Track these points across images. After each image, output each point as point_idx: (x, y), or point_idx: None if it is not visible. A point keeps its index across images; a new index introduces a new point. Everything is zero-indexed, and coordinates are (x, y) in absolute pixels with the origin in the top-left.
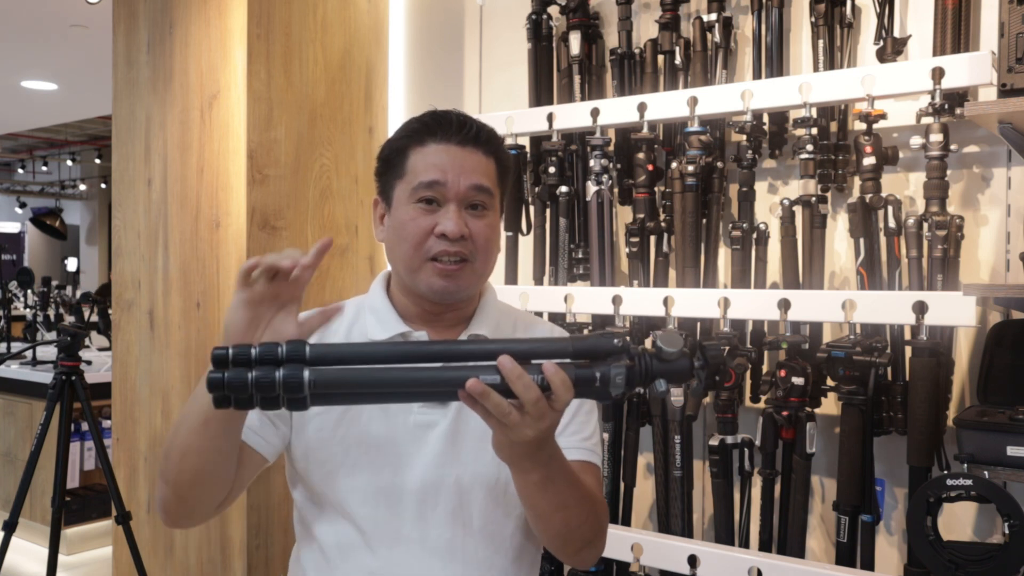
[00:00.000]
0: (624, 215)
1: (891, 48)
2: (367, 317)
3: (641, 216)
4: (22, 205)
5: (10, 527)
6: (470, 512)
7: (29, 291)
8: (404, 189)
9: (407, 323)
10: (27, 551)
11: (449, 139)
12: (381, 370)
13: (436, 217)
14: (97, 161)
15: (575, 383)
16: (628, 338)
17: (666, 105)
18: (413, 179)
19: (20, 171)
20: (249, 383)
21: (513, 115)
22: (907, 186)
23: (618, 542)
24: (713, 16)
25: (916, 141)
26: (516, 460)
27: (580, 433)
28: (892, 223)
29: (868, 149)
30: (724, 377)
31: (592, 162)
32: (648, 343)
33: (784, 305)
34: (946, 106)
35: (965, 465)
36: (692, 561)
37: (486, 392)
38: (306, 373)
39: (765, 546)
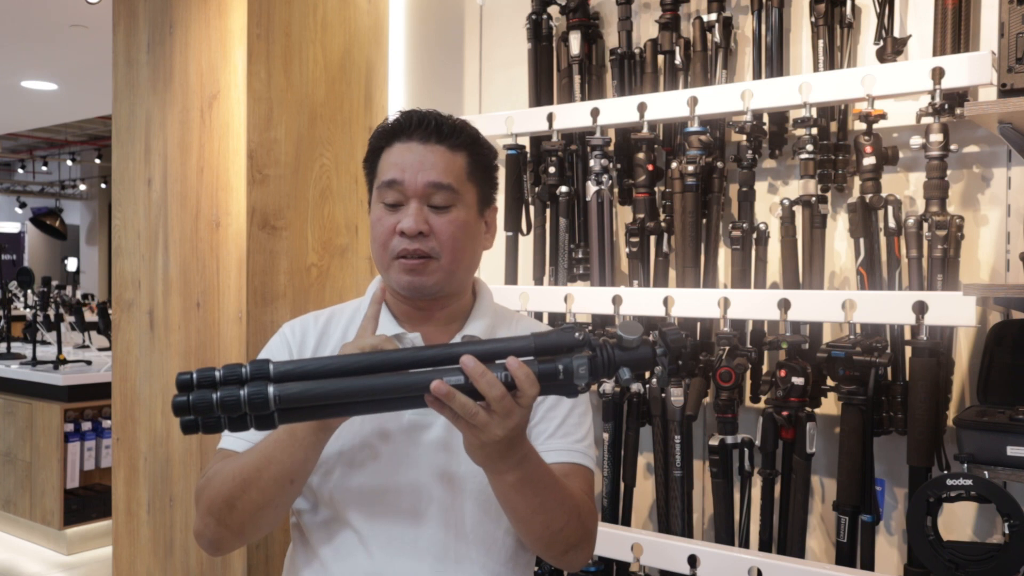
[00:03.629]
0: (624, 215)
1: (891, 48)
2: (362, 319)
3: (641, 216)
4: (22, 205)
5: None
6: (462, 514)
7: (29, 291)
8: (375, 190)
9: (401, 324)
10: (27, 551)
11: (411, 137)
12: (346, 381)
13: (399, 215)
14: (97, 161)
15: (539, 377)
16: (590, 330)
17: (666, 105)
18: (379, 179)
19: (20, 171)
20: (215, 404)
21: (513, 115)
22: (907, 186)
23: (618, 542)
24: (713, 16)
25: (916, 141)
26: (489, 462)
27: (571, 435)
28: (892, 223)
29: (868, 149)
30: (687, 362)
31: (592, 162)
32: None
33: (784, 305)
34: (946, 106)
35: (965, 465)
36: (692, 561)
37: (451, 393)
38: (271, 389)
39: (765, 546)
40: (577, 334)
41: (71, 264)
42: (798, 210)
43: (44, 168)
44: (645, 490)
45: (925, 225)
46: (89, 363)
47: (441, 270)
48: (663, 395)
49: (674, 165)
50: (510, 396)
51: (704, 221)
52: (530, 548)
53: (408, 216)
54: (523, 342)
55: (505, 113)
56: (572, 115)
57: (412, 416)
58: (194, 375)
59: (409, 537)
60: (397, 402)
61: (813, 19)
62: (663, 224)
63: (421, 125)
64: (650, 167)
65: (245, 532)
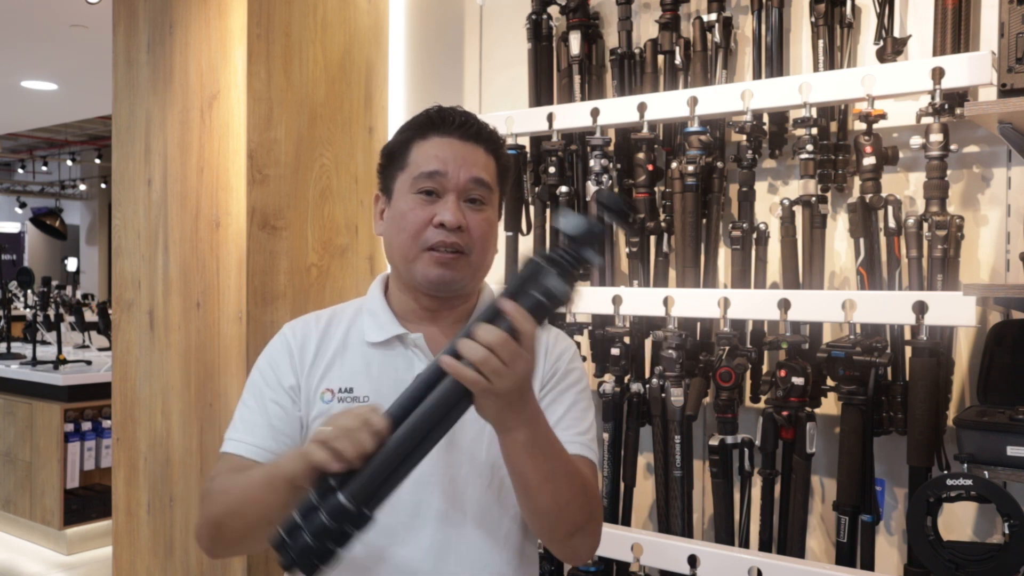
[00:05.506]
0: None
1: (891, 48)
2: (364, 319)
3: (641, 216)
4: (22, 205)
5: None
6: (464, 509)
7: (29, 291)
8: (405, 180)
9: (403, 324)
10: (27, 551)
11: (451, 133)
12: (392, 440)
13: (435, 208)
14: (97, 161)
15: (529, 310)
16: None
17: (666, 105)
18: (415, 170)
19: (20, 171)
20: (312, 544)
21: (513, 115)
22: (907, 186)
23: (618, 542)
24: (713, 16)
25: (916, 141)
26: (501, 416)
27: (575, 427)
28: (892, 223)
29: (868, 149)
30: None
31: (592, 162)
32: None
33: (784, 305)
34: (946, 106)
35: (965, 465)
36: (692, 561)
37: (458, 345)
38: (340, 497)
39: (765, 546)
40: (533, 259)
41: (71, 264)
42: (798, 210)
43: (44, 168)
44: (645, 490)
45: (925, 225)
46: (89, 363)
47: (470, 266)
48: (663, 395)
49: (674, 165)
50: (511, 339)
51: (704, 221)
52: (536, 530)
53: (448, 209)
54: (497, 301)
55: (505, 113)
56: (572, 115)
57: None
58: (280, 531)
59: (411, 531)
60: (441, 412)
61: (813, 19)
62: (663, 224)
63: (464, 125)
64: (650, 167)
65: (235, 550)
